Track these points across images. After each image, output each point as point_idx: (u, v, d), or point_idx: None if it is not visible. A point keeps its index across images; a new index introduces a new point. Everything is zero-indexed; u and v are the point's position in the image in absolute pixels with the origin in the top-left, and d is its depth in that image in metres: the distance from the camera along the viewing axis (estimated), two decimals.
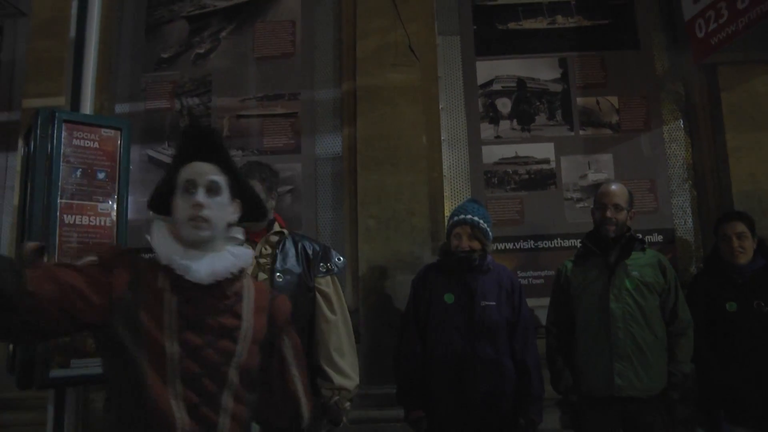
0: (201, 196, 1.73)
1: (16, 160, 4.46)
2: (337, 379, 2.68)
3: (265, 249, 2.71)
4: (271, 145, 4.55)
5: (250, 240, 2.70)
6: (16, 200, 3.99)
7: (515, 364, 2.98)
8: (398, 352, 3.15)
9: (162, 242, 1.73)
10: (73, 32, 3.63)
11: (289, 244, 2.76)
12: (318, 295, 2.76)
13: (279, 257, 2.69)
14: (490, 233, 3.08)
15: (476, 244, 3.02)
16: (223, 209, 1.78)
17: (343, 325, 2.79)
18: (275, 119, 4.59)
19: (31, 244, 2.37)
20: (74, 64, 3.60)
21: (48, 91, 4.40)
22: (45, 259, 1.70)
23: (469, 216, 3.03)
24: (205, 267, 1.70)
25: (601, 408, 3.11)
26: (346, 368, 2.72)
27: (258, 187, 2.62)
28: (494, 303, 2.99)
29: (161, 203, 1.84)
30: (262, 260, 2.68)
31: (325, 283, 2.78)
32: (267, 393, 1.86)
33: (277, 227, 2.80)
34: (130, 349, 1.59)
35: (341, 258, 2.91)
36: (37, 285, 1.48)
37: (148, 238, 1.76)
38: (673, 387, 3.09)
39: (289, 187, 4.48)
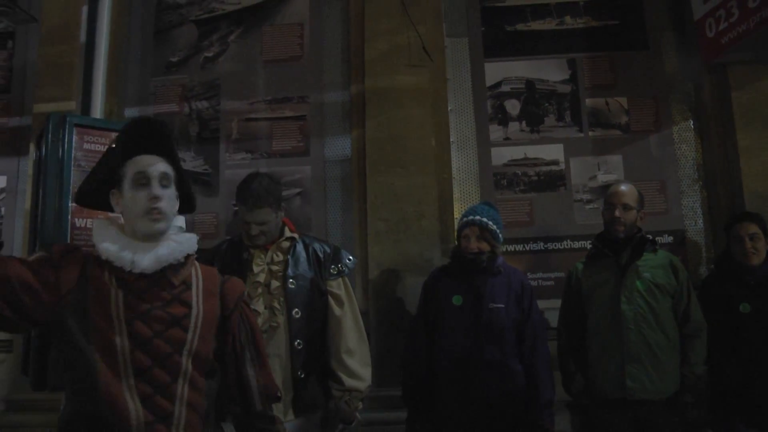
0: (156, 188, 1.76)
1: (28, 165, 4.49)
2: (348, 382, 2.68)
3: (277, 256, 2.72)
4: (279, 148, 4.56)
5: (263, 248, 2.70)
6: (28, 204, 4.02)
7: (524, 368, 2.96)
8: (405, 355, 3.15)
9: (108, 238, 1.73)
10: (83, 37, 3.67)
11: (300, 249, 2.76)
12: (330, 297, 2.76)
13: (291, 263, 2.70)
14: (500, 235, 3.06)
15: (485, 246, 3.00)
16: (173, 201, 1.82)
17: (354, 324, 2.78)
18: (284, 122, 4.60)
19: None
20: (84, 68, 3.64)
21: (59, 96, 4.44)
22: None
23: (477, 217, 3.02)
24: (149, 256, 1.72)
25: (613, 411, 3.08)
26: (356, 369, 2.72)
27: (271, 214, 2.64)
28: (503, 305, 2.97)
29: (88, 197, 1.86)
30: (274, 267, 2.69)
31: (336, 286, 2.78)
32: (223, 377, 1.91)
33: (287, 232, 2.79)
34: (81, 345, 1.60)
35: (351, 257, 2.91)
36: None
37: (94, 235, 1.76)
38: (686, 390, 3.07)
39: (298, 190, 4.48)
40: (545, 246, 4.35)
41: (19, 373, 3.62)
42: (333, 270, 2.78)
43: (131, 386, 1.61)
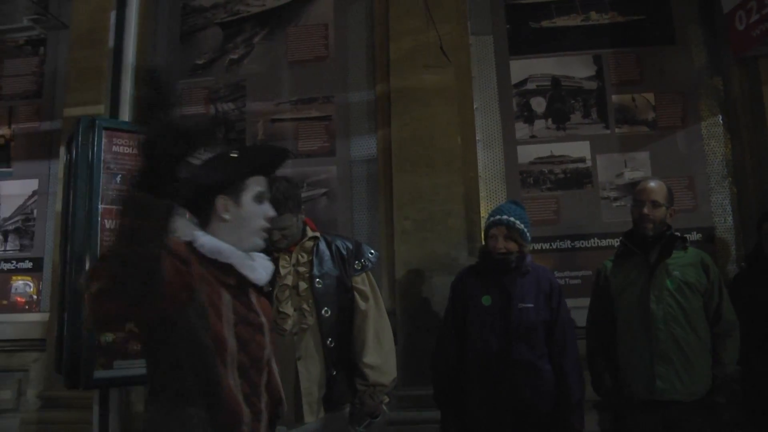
0: (272, 210, 1.88)
1: (58, 168, 4.57)
2: (372, 376, 2.69)
3: (302, 257, 2.73)
4: (305, 148, 4.59)
5: (287, 251, 2.72)
6: (58, 206, 4.09)
7: (553, 368, 2.94)
8: (435, 354, 3.15)
9: (221, 242, 1.76)
10: (111, 42, 3.72)
11: (323, 247, 2.77)
12: (356, 293, 2.77)
13: (316, 262, 2.71)
14: (528, 234, 3.02)
15: (512, 245, 2.97)
16: None
17: (378, 317, 2.79)
18: (309, 122, 4.63)
19: None
20: (113, 72, 3.69)
21: (88, 100, 4.52)
22: None
23: (505, 216, 2.98)
24: (267, 270, 1.84)
25: (643, 411, 3.04)
26: (379, 363, 2.72)
27: (292, 219, 2.67)
28: (532, 305, 2.94)
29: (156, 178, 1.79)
30: (300, 269, 2.70)
31: (360, 281, 2.79)
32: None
33: (309, 232, 2.80)
34: (202, 341, 1.63)
35: (373, 251, 2.92)
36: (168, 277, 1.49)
37: (199, 234, 1.77)
38: (717, 390, 3.01)
39: (324, 190, 4.51)
40: (572, 244, 4.33)
41: (52, 371, 3.69)
42: (357, 265, 2.79)
43: (237, 385, 1.68)
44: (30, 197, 4.93)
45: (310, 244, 2.77)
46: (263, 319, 1.86)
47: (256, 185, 1.84)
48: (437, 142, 4.21)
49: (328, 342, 2.64)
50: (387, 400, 2.78)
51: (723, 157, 4.35)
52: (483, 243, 3.23)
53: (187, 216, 1.88)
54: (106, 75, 3.98)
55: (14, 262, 4.84)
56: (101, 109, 4.39)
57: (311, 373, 2.60)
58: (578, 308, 3.51)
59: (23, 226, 4.90)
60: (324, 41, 4.76)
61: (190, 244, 1.74)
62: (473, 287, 3.06)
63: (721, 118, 4.39)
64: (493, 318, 2.95)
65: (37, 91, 5.09)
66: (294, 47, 4.79)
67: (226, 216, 1.79)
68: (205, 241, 1.74)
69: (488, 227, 3.05)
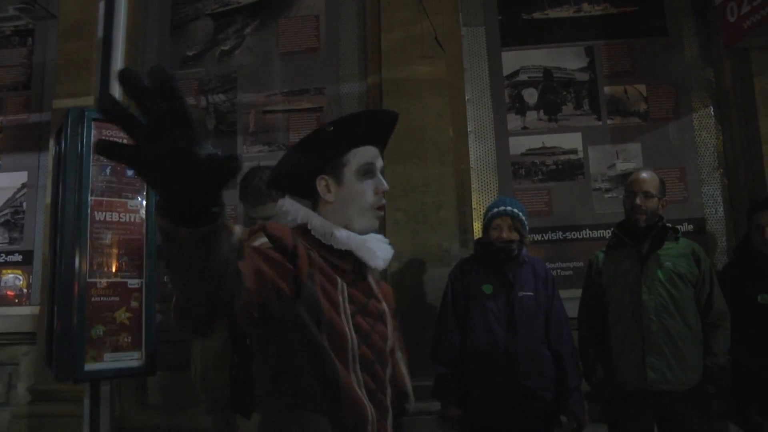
0: (384, 183, 1.65)
1: (48, 160, 4.54)
2: None
3: None
4: (297, 140, 4.56)
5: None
6: (48, 199, 4.06)
7: (552, 355, 2.99)
8: (436, 345, 3.15)
9: (334, 226, 1.60)
10: (100, 33, 3.68)
11: None
12: None
13: None
14: (527, 226, 3.12)
15: (515, 236, 3.05)
16: None
17: None
18: (301, 114, 4.62)
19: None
20: (102, 64, 3.66)
21: (77, 92, 4.48)
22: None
23: (509, 207, 3.06)
24: (383, 254, 1.63)
25: (635, 402, 3.06)
26: None
27: (275, 208, 2.61)
28: (532, 293, 3.02)
29: (286, 180, 1.70)
30: None
31: None
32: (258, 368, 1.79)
33: None
34: (315, 337, 1.48)
35: None
36: (249, 281, 1.30)
37: (306, 217, 1.62)
38: (708, 380, 3.02)
39: None
40: (564, 235, 4.33)
41: (43, 364, 3.67)
42: None
43: (360, 382, 1.53)
44: (19, 190, 4.89)
45: None
46: (384, 306, 1.69)
47: (358, 159, 1.64)
48: (429, 133, 4.20)
49: None
50: None
51: (714, 149, 4.36)
52: (480, 235, 3.24)
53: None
54: (96, 66, 3.96)
55: (3, 255, 4.80)
56: (91, 100, 4.36)
57: None
58: (570, 299, 3.52)
59: (12, 219, 4.86)
60: (315, 32, 4.73)
61: (303, 228, 1.61)
62: (473, 276, 3.10)
63: (712, 109, 4.40)
64: (494, 306, 2.99)
65: (26, 83, 5.04)
66: (285, 39, 4.76)
67: (329, 197, 1.63)
68: (317, 224, 1.59)
69: (492, 218, 3.09)
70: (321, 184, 1.64)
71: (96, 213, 3.21)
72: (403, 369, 1.83)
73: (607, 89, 4.49)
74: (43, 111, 4.91)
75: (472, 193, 4.37)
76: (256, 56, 4.77)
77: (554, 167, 4.41)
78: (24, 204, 4.87)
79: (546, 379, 2.94)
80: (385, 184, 1.65)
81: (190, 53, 4.87)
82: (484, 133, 4.50)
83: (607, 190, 4.35)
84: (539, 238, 4.33)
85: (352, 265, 1.61)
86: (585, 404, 2.99)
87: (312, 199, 1.68)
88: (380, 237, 1.69)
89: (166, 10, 4.98)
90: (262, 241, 1.49)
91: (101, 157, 3.20)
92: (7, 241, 4.83)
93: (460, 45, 4.56)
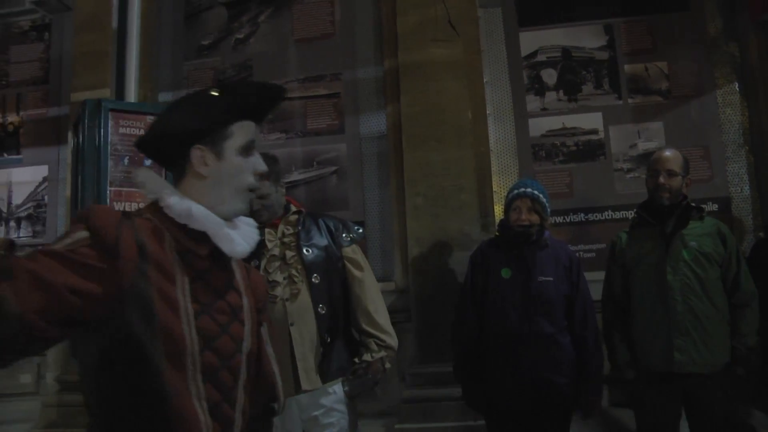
0: (262, 164, 1.48)
1: (67, 153, 4.58)
2: (385, 338, 2.70)
3: (287, 229, 2.74)
4: (314, 127, 4.56)
5: (271, 224, 2.71)
6: (69, 192, 4.09)
7: (574, 340, 2.93)
8: (455, 328, 3.14)
9: (192, 202, 1.40)
10: (115, 24, 3.69)
11: (309, 222, 2.79)
12: (347, 263, 2.78)
13: (302, 234, 2.72)
14: (548, 208, 3.04)
15: (535, 218, 2.97)
16: None
17: (373, 286, 2.82)
18: (318, 100, 4.61)
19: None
20: (117, 55, 3.67)
21: (94, 84, 4.50)
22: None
23: (529, 189, 2.99)
24: (246, 241, 1.44)
25: (661, 384, 3.00)
26: (387, 327, 2.74)
27: (265, 184, 2.62)
28: (552, 278, 2.94)
29: (152, 144, 1.49)
30: (286, 239, 2.71)
31: (351, 251, 2.80)
32: None
33: (293, 208, 2.82)
34: (145, 344, 1.26)
35: (360, 228, 2.96)
36: (23, 301, 1.12)
37: (168, 192, 1.41)
38: (737, 362, 2.96)
39: (334, 168, 4.49)
40: (586, 217, 4.29)
41: (69, 355, 3.72)
42: (346, 237, 2.80)
43: (200, 393, 1.32)
44: (41, 184, 4.95)
45: (294, 217, 2.78)
46: (245, 301, 1.49)
47: (243, 133, 1.45)
48: (447, 117, 4.16)
49: (320, 308, 2.63)
50: (389, 366, 2.78)
51: (739, 126, 4.27)
52: (503, 216, 3.21)
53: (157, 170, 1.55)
54: (112, 58, 3.97)
55: (27, 248, 4.86)
56: (107, 92, 4.37)
57: (304, 338, 2.60)
58: (593, 281, 3.46)
59: (35, 213, 4.92)
60: (330, 18, 4.70)
61: (155, 205, 1.40)
62: (493, 260, 3.06)
63: (737, 85, 4.31)
64: (512, 291, 2.95)
65: (44, 77, 5.09)
66: (300, 25, 4.74)
67: (203, 171, 1.42)
68: (173, 201, 1.38)
69: (511, 200, 3.04)
70: (196, 155, 1.42)
71: (115, 203, 3.22)
72: (274, 366, 1.63)
73: (627, 67, 4.42)
74: (62, 104, 4.96)
75: (493, 176, 4.35)
76: (271, 43, 4.76)
77: (575, 148, 4.36)
78: (46, 197, 4.92)
79: (562, 366, 2.88)
80: (264, 166, 1.48)
81: (205, 42, 4.87)
82: (503, 115, 4.45)
83: (629, 171, 4.29)
84: (561, 221, 4.28)
85: (209, 251, 1.41)
86: (603, 393, 2.95)
87: (177, 170, 1.46)
88: (249, 220, 1.52)
89: (180, 0, 4.98)
90: (78, 236, 1.26)
91: (118, 148, 3.22)
92: (30, 234, 4.89)
93: (477, 26, 4.50)
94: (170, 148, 1.45)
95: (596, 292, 3.30)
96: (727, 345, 2.97)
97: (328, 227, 2.80)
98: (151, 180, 1.43)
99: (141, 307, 1.26)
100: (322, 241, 2.74)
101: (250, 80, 1.39)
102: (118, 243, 1.26)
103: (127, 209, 3.26)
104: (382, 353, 2.69)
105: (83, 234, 1.25)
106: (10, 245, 1.22)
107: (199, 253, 1.39)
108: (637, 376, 3.08)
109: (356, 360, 2.70)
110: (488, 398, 2.98)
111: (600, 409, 2.94)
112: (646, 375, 3.05)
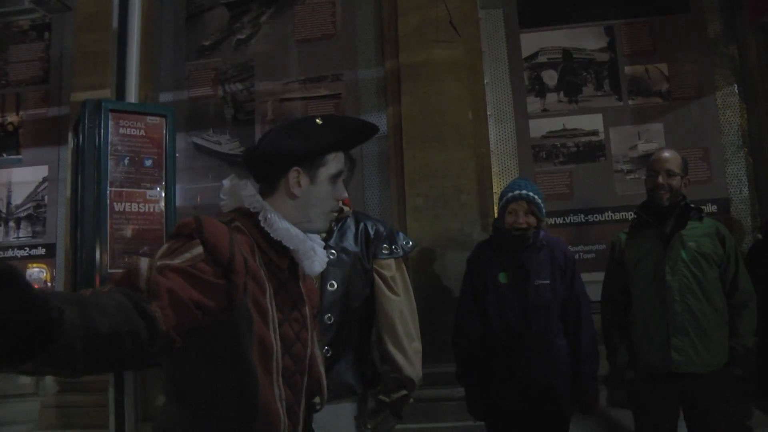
0: (345, 192, 1.65)
1: (67, 153, 4.57)
2: (407, 369, 2.47)
3: None
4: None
5: None
6: (69, 192, 4.09)
7: (569, 340, 2.94)
8: (456, 331, 3.13)
9: (282, 220, 1.53)
10: (115, 24, 3.69)
11: (349, 223, 2.58)
12: (377, 278, 2.54)
13: (336, 234, 2.52)
14: (544, 208, 3.02)
15: (532, 220, 2.95)
16: None
17: (409, 310, 2.58)
18: (319, 101, 4.61)
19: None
20: (118, 55, 3.66)
21: (94, 84, 4.49)
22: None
23: (525, 191, 2.95)
24: (320, 262, 1.59)
25: (660, 384, 3.01)
26: (413, 358, 2.50)
27: None
28: (548, 281, 2.94)
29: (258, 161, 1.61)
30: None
31: (386, 266, 2.55)
32: None
33: (344, 209, 2.59)
34: (244, 349, 1.40)
35: (410, 242, 2.70)
36: (167, 320, 1.22)
37: (268, 208, 1.52)
38: (735, 362, 2.97)
39: None
40: (586, 218, 4.30)
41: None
42: (384, 250, 2.55)
43: (281, 394, 1.46)
44: (40, 184, 4.94)
45: (334, 215, 2.63)
46: (307, 310, 1.62)
47: (335, 163, 1.59)
48: (448, 117, 4.17)
49: (326, 317, 2.41)
50: (412, 401, 2.56)
51: (738, 128, 4.29)
52: (496, 217, 3.19)
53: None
54: (112, 58, 3.96)
55: (27, 248, 4.86)
56: (108, 92, 4.36)
57: None
58: (593, 282, 3.48)
59: (35, 213, 4.92)
60: (332, 18, 4.71)
61: (246, 212, 1.54)
62: (489, 264, 3.04)
63: (736, 87, 4.32)
64: (510, 295, 2.94)
65: (44, 77, 5.09)
66: (301, 25, 4.74)
67: (296, 191, 1.55)
68: (274, 219, 1.51)
69: (507, 202, 3.00)
70: (293, 176, 1.56)
71: (115, 204, 3.21)
72: (321, 368, 1.72)
73: (627, 69, 4.43)
74: (62, 104, 4.95)
75: (493, 177, 4.36)
76: (273, 44, 4.76)
77: (575, 149, 4.36)
78: (46, 198, 4.92)
79: (559, 369, 2.88)
80: (346, 193, 1.66)
81: (206, 43, 4.87)
82: (503, 116, 4.46)
83: (629, 172, 4.30)
84: (561, 221, 4.29)
85: (288, 264, 1.57)
86: (598, 393, 2.94)
87: (268, 184, 1.59)
88: (317, 237, 1.66)
89: (181, 1, 4.98)
90: (195, 252, 1.35)
91: (118, 148, 3.21)
92: (30, 234, 4.88)
93: (478, 27, 4.52)
94: (271, 167, 1.57)
95: (596, 293, 3.31)
96: (726, 345, 2.98)
97: (366, 233, 2.56)
98: (250, 193, 1.55)
99: (246, 317, 1.40)
100: (354, 247, 2.52)
101: (351, 117, 1.58)
102: (233, 261, 1.38)
103: (127, 210, 3.25)
104: (402, 392, 2.48)
105: (199, 249, 1.36)
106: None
107: (281, 265, 1.54)
108: (636, 377, 3.09)
109: (380, 397, 2.49)
110: (489, 401, 2.98)
111: (598, 408, 2.94)
112: (645, 375, 3.05)
